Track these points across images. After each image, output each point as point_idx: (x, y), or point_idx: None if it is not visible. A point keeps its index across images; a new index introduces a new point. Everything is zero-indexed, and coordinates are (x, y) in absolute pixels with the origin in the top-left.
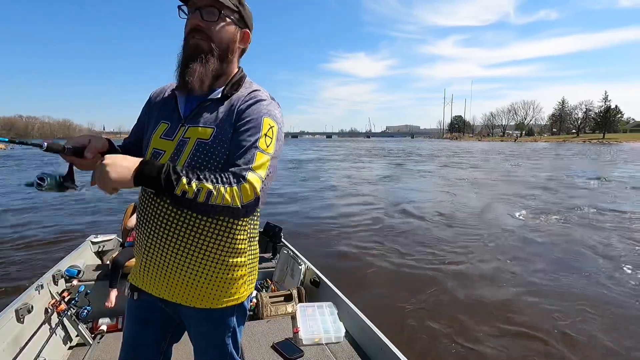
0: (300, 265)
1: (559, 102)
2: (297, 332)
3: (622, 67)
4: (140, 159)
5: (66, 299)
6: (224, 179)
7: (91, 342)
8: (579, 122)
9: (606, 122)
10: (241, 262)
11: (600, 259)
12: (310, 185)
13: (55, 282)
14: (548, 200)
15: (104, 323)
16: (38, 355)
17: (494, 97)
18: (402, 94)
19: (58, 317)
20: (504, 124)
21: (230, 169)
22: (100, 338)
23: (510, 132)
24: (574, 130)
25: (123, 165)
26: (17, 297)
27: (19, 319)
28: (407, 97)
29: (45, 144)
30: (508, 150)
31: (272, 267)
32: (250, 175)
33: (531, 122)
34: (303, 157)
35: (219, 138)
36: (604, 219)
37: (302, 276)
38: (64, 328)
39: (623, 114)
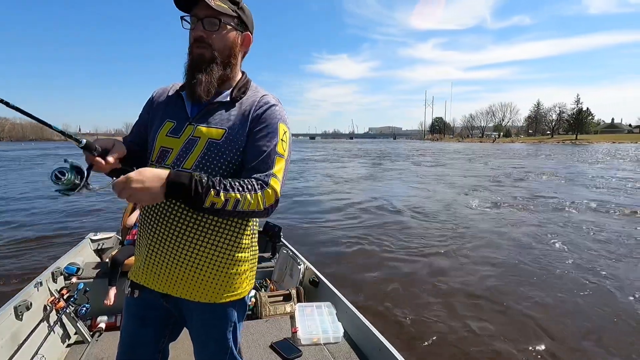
0: (300, 265)
1: (535, 105)
2: (296, 332)
3: (593, 72)
4: (166, 172)
5: (65, 297)
6: (249, 186)
7: (90, 340)
8: (553, 123)
9: (578, 123)
10: (245, 257)
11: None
12: (297, 184)
13: (54, 280)
14: (500, 191)
15: (102, 321)
16: (36, 353)
17: (473, 99)
18: (384, 95)
19: (57, 315)
20: (482, 125)
21: (253, 175)
22: (99, 336)
23: (489, 133)
24: (548, 132)
25: (150, 182)
26: (16, 294)
27: (18, 316)
28: (389, 99)
29: (84, 141)
30: (484, 151)
31: (272, 267)
32: (272, 180)
33: (508, 124)
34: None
35: (230, 139)
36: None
37: (301, 276)
38: (63, 325)
39: (594, 116)
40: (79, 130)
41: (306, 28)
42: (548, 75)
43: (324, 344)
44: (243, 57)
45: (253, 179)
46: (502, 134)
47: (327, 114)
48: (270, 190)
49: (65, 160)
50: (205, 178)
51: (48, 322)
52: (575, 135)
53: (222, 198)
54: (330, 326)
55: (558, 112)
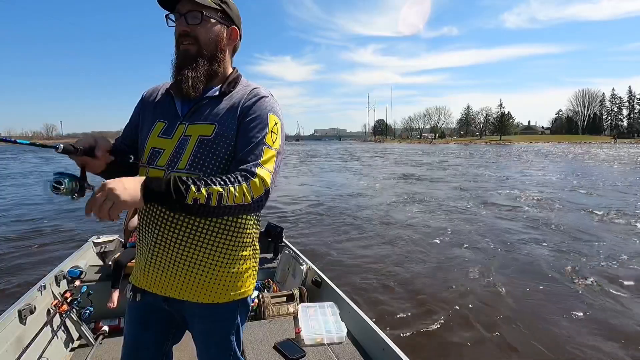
0: (302, 265)
1: (465, 108)
2: (299, 333)
3: (510, 79)
4: (143, 177)
5: (68, 300)
6: (232, 179)
7: (93, 343)
8: (481, 125)
9: (502, 126)
10: (247, 255)
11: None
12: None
13: (58, 283)
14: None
15: (106, 324)
16: (41, 356)
17: (411, 103)
18: (327, 98)
19: (60, 318)
20: (420, 127)
21: (239, 167)
22: (103, 339)
23: (426, 135)
24: (477, 133)
25: (129, 185)
26: (20, 297)
27: (22, 319)
28: (332, 102)
29: (62, 145)
30: (428, 150)
31: (274, 268)
32: (259, 170)
33: (443, 126)
34: None
35: (220, 134)
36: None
37: (303, 276)
38: (66, 329)
39: (514, 119)
40: None
41: (246, 27)
42: (475, 82)
43: (328, 344)
44: (233, 52)
45: (238, 172)
46: (438, 135)
47: None
48: (257, 181)
49: (56, 173)
50: (185, 177)
51: (52, 325)
52: (499, 136)
53: (204, 193)
54: (334, 326)
55: (485, 115)
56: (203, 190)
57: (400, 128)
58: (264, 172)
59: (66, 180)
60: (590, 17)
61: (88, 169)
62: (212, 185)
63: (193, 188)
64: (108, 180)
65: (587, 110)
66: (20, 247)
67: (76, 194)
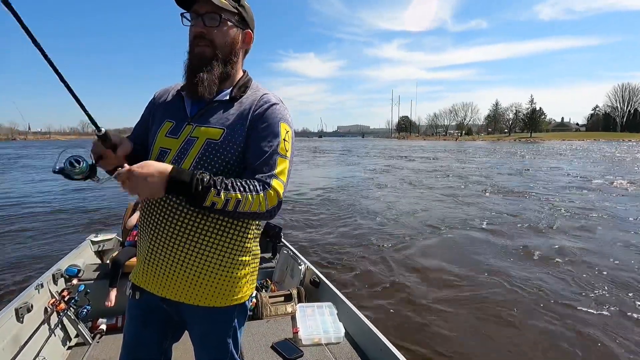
0: (300, 265)
1: (493, 104)
2: (297, 333)
3: (542, 74)
4: (171, 166)
5: (66, 298)
6: (251, 187)
7: (91, 342)
8: (510, 122)
9: (532, 122)
10: (246, 260)
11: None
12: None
13: (55, 282)
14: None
15: (103, 322)
16: (38, 355)
17: (437, 99)
18: (350, 94)
19: (58, 317)
20: (446, 124)
21: (255, 176)
22: (100, 337)
23: (452, 131)
24: (506, 130)
25: (155, 172)
26: (17, 296)
27: (19, 318)
28: (356, 98)
29: (104, 130)
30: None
31: (272, 267)
32: (274, 182)
33: (470, 122)
34: None
35: (228, 139)
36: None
37: (302, 276)
38: (64, 327)
39: (546, 115)
40: (29, 129)
41: (270, 26)
42: (504, 77)
43: (325, 344)
44: (244, 55)
45: (255, 180)
46: (464, 132)
47: (295, 113)
48: (272, 192)
49: (78, 156)
50: (208, 177)
51: (49, 324)
52: (530, 133)
53: (223, 198)
54: (332, 326)
55: (514, 111)
56: (222, 195)
57: (425, 125)
58: (279, 183)
59: (83, 162)
60: (633, 6)
61: (102, 163)
62: (232, 190)
63: (213, 191)
64: (135, 166)
65: (627, 106)
66: (17, 245)
67: (83, 177)
